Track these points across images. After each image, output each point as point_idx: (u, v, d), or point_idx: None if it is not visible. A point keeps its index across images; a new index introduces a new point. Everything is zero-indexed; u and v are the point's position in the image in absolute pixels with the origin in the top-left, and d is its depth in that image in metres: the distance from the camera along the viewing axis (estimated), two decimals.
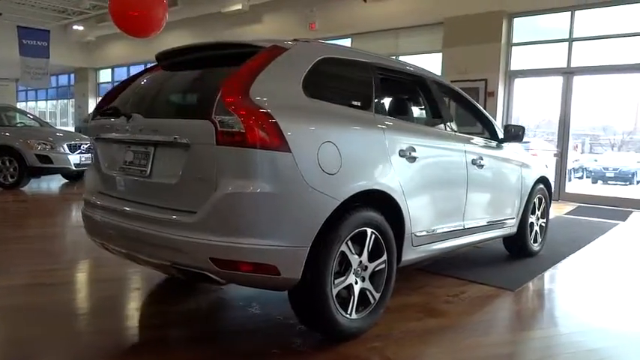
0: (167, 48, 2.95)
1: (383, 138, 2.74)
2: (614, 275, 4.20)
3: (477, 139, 3.75)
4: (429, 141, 3.14)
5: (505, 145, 4.07)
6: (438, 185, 3.19)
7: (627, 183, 15.33)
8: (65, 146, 8.77)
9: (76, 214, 6.95)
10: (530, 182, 4.31)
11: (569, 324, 3.05)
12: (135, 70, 17.67)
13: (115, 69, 18.54)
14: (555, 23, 8.73)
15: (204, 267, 2.20)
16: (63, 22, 16.41)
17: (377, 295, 2.70)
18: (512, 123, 7.83)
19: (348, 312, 2.54)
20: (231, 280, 2.31)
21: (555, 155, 8.84)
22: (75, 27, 16.38)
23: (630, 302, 3.50)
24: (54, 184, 9.49)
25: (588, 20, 8.39)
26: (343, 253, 2.48)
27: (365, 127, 2.69)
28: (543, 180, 4.57)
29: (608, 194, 9.71)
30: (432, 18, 9.75)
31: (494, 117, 6.53)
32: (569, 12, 8.39)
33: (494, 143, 3.97)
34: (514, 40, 9.14)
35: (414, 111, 3.48)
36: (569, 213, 7.43)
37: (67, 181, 9.71)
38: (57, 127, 12.86)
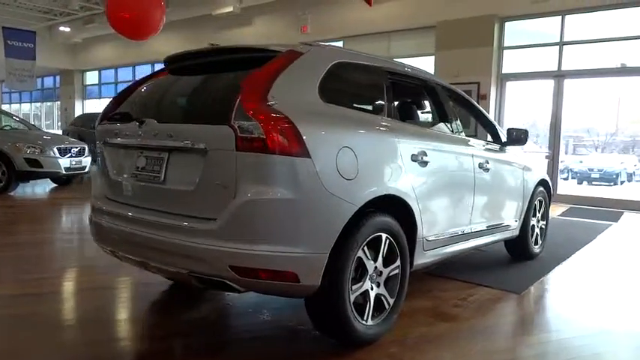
0: (176, 52, 2.91)
1: (396, 143, 2.73)
2: (616, 276, 4.26)
3: (482, 143, 3.77)
4: (439, 145, 3.14)
5: (507, 148, 4.10)
6: (447, 189, 3.20)
7: (612, 184, 15.61)
8: (55, 150, 8.61)
9: (66, 220, 6.83)
10: (532, 185, 4.35)
11: (577, 327, 3.07)
12: (122, 72, 17.48)
13: (102, 71, 18.28)
14: (546, 27, 8.85)
15: (224, 275, 2.16)
16: (48, 23, 16.15)
17: (391, 301, 2.70)
18: (502, 126, 7.92)
19: (365, 318, 2.53)
20: (250, 288, 2.28)
21: (547, 157, 8.95)
22: (61, 28, 16.12)
23: (634, 303, 3.55)
24: (43, 188, 9.31)
25: (578, 24, 8.53)
26: (360, 259, 2.47)
27: (379, 131, 2.68)
28: (543, 182, 4.62)
29: (599, 195, 9.86)
30: (424, 21, 9.82)
31: None
32: (560, 16, 8.51)
33: (497, 147, 4.00)
34: (506, 44, 9.24)
35: (422, 115, 3.48)
36: (562, 214, 7.52)
37: (55, 185, 9.52)
38: (45, 130, 12.61)
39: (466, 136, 3.74)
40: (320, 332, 2.56)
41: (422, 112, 3.44)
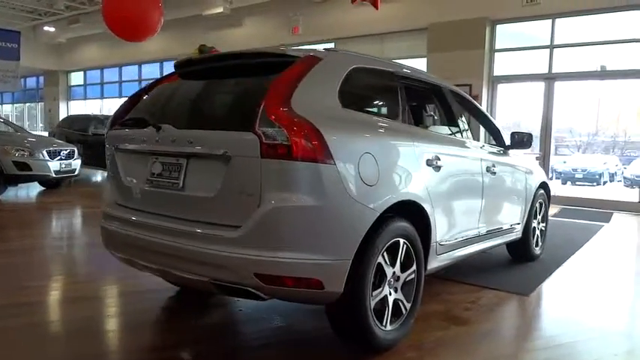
0: (186, 57, 2.88)
1: (413, 148, 2.74)
2: (617, 277, 4.34)
3: (488, 146, 3.80)
4: (452, 149, 3.16)
5: (510, 152, 4.14)
6: (459, 193, 3.22)
7: (595, 184, 15.90)
8: (44, 152, 8.44)
9: (56, 225, 6.69)
10: (534, 187, 4.40)
11: (589, 328, 3.11)
12: (109, 73, 17.24)
13: (88, 72, 17.99)
14: (537, 30, 8.97)
15: (249, 283, 2.14)
16: (32, 23, 15.84)
17: (408, 306, 2.70)
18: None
19: (384, 323, 2.52)
20: (274, 295, 2.26)
21: (537, 159, 9.08)
22: (46, 28, 15.83)
23: (636, 302, 3.62)
24: (32, 192, 9.12)
25: (568, 27, 8.67)
26: (379, 265, 2.46)
27: (397, 136, 2.69)
28: (544, 185, 4.68)
29: (589, 196, 10.03)
30: (416, 23, 9.87)
31: None
32: (551, 19, 8.63)
33: (501, 150, 4.04)
34: (497, 47, 9.35)
35: (434, 120, 3.50)
36: (555, 215, 7.63)
37: (44, 188, 9.34)
38: (33, 132, 12.35)
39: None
40: (340, 338, 2.54)
41: (434, 117, 3.45)
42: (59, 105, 18.59)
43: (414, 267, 2.73)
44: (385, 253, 2.49)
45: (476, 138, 4.07)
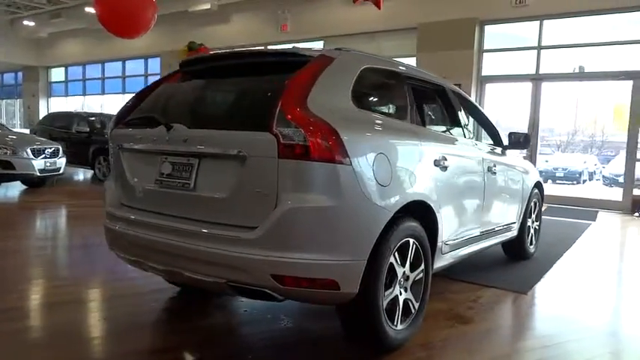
0: (192, 56, 2.83)
1: (422, 148, 2.75)
2: (609, 273, 4.45)
3: (489, 147, 3.84)
4: (457, 150, 3.19)
5: (508, 152, 4.19)
6: (463, 193, 3.25)
7: (575, 182, 16.25)
8: (28, 151, 8.24)
9: (41, 225, 6.52)
10: (530, 187, 4.47)
11: (590, 326, 3.16)
12: (91, 69, 16.92)
13: (69, 68, 17.62)
14: (525, 31, 9.10)
15: (265, 284, 2.11)
16: (10, 16, 15.43)
17: (416, 305, 2.71)
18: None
19: (395, 323, 2.53)
20: (289, 297, 2.24)
21: (525, 158, 9.21)
22: (25, 22, 15.43)
23: (632, 298, 3.70)
24: (15, 191, 8.88)
25: (556, 29, 8.82)
26: (391, 265, 2.47)
27: (407, 137, 2.69)
28: (538, 184, 4.75)
29: (574, 195, 10.21)
30: (406, 23, 9.92)
31: None
32: (539, 21, 8.77)
33: (500, 150, 4.08)
34: (485, 47, 9.46)
35: (439, 120, 3.52)
36: (543, 214, 7.74)
37: (27, 188, 9.10)
38: (15, 130, 12.04)
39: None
40: (352, 339, 2.54)
41: (439, 117, 3.47)
42: (39, 102, 18.16)
43: (422, 266, 2.74)
44: (396, 253, 2.50)
45: (477, 138, 4.11)
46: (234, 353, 2.61)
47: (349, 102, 2.39)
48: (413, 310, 2.68)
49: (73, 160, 10.06)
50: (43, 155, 8.45)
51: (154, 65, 15.01)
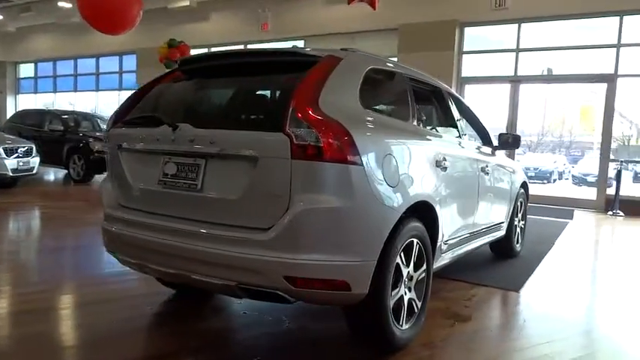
0: (193, 54, 2.77)
1: (425, 148, 2.77)
2: (595, 269, 4.62)
3: (482, 147, 3.91)
4: (455, 150, 3.23)
5: (497, 152, 4.27)
6: (460, 193, 3.29)
7: (545, 182, 16.72)
8: (0, 150, 7.94)
9: (14, 226, 6.28)
10: (517, 187, 4.57)
11: (589, 320, 3.25)
12: (62, 65, 16.43)
13: (39, 63, 17.05)
14: (503, 34, 9.30)
15: (278, 286, 2.09)
16: None
17: (419, 304, 2.73)
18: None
19: (400, 323, 2.54)
20: (301, 298, 2.22)
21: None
22: None
23: (622, 292, 3.83)
24: None
25: (532, 32, 9.04)
26: (397, 265, 2.48)
27: (412, 138, 2.71)
28: (524, 184, 4.86)
29: (551, 194, 10.45)
30: (387, 24, 9.99)
31: None
32: (517, 24, 8.97)
33: (490, 150, 4.15)
34: (465, 49, 9.62)
35: (438, 121, 3.55)
36: None
37: None
38: None
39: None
40: (359, 339, 2.54)
41: (438, 118, 3.51)
42: (6, 99, 17.51)
43: (425, 266, 2.76)
44: (402, 254, 2.51)
45: (471, 139, 4.17)
46: (236, 356, 2.57)
47: (357, 102, 2.39)
48: (416, 310, 2.70)
49: (46, 160, 9.73)
50: (16, 154, 8.16)
51: (129, 62, 14.67)
